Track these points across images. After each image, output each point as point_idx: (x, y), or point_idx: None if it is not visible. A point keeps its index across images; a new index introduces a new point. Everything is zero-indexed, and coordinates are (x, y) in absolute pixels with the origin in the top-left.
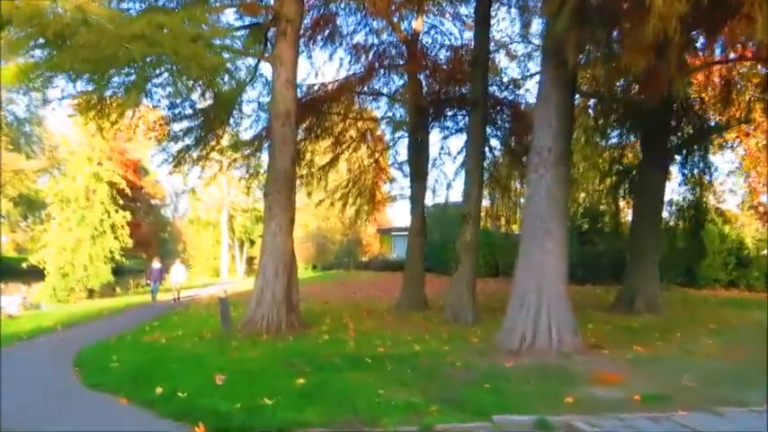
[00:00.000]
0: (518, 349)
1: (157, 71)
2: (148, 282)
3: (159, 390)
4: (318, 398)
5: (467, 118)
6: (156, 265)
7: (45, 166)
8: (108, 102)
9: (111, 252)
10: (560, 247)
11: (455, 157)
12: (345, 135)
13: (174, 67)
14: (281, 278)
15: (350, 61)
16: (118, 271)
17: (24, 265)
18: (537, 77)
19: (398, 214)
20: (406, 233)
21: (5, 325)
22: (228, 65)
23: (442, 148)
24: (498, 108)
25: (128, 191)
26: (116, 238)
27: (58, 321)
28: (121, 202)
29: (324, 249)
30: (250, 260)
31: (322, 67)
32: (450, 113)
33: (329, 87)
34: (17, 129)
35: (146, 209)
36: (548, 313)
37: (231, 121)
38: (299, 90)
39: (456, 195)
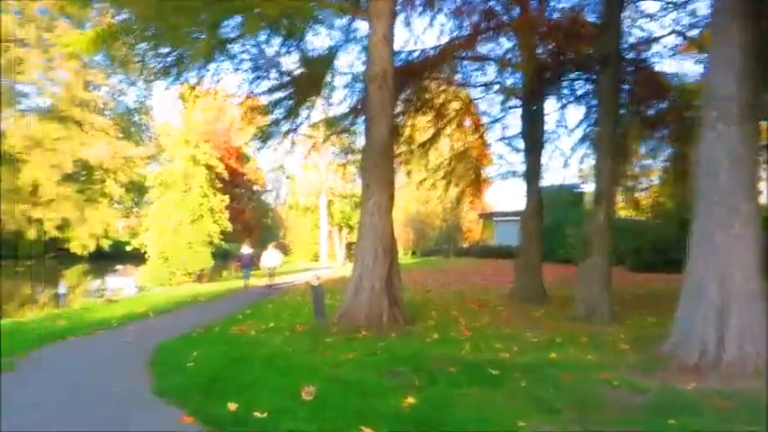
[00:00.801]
0: (697, 364)
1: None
2: (240, 267)
3: (233, 406)
4: (435, 430)
5: (586, 84)
6: (246, 249)
7: (152, 153)
8: (184, 63)
9: (209, 236)
10: (751, 228)
11: (572, 130)
12: (448, 107)
13: (250, 12)
14: (381, 264)
15: (452, 28)
16: (225, 255)
17: (129, 248)
18: (662, 41)
19: (500, 198)
20: (510, 218)
21: (102, 309)
22: (318, 15)
23: (558, 120)
24: (627, 69)
25: (225, 174)
26: (215, 221)
27: (152, 307)
28: (219, 185)
29: (423, 235)
30: (349, 245)
31: (421, 36)
32: (568, 79)
33: (429, 54)
34: (127, 118)
35: (248, 195)
36: (738, 316)
37: (324, 92)
38: (396, 58)
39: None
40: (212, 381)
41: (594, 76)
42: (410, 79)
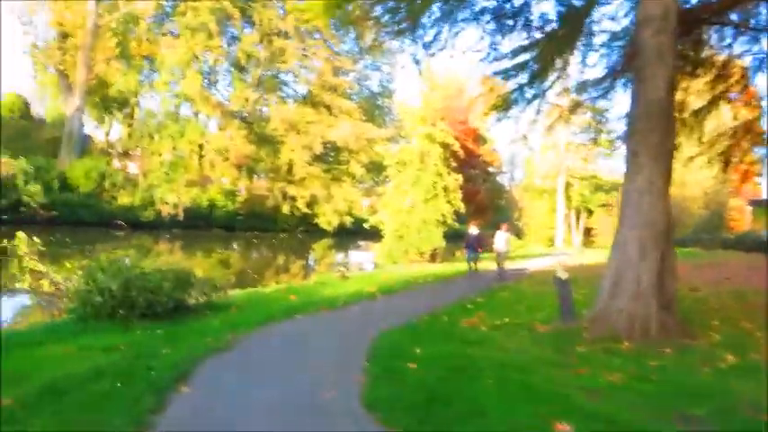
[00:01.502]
0: None
1: None
2: (465, 248)
3: None
4: None
5: None
6: (473, 230)
7: (392, 135)
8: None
9: (443, 216)
10: None
11: None
12: (733, 66)
13: None
14: (650, 258)
15: None
16: (457, 236)
17: (367, 226)
18: None
19: None
20: None
21: (334, 285)
22: None
23: None
24: None
25: (461, 153)
26: (448, 201)
27: (381, 286)
28: (454, 165)
29: (678, 222)
30: (587, 231)
31: None
32: None
33: None
34: (371, 102)
35: (483, 176)
36: None
37: (576, 50)
38: None
39: None
40: (433, 396)
41: None
42: (688, 29)
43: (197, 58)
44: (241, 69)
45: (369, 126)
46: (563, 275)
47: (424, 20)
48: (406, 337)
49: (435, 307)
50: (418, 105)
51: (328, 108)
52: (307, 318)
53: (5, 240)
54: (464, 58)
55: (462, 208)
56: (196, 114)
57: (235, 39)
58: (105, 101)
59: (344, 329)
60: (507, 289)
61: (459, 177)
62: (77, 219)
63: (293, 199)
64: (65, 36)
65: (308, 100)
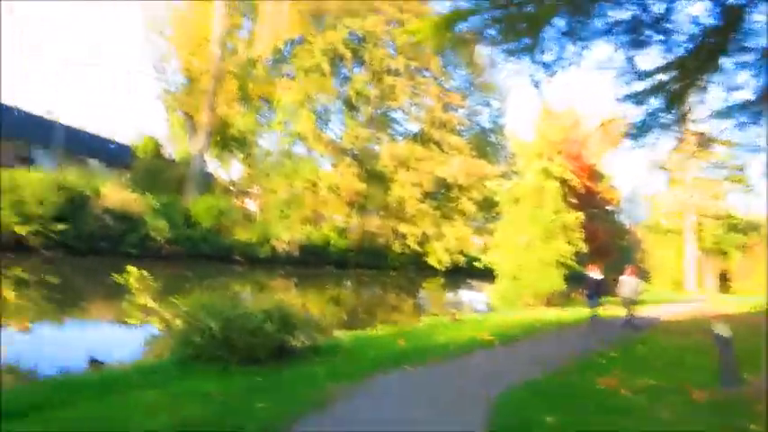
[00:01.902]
0: None
1: None
2: (586, 294)
3: None
4: None
5: None
6: (595, 274)
7: (504, 171)
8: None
9: (561, 256)
10: None
11: None
12: None
13: None
14: None
15: None
16: (578, 278)
17: (479, 265)
18: None
19: None
20: None
21: (446, 329)
22: None
23: None
24: None
25: (581, 188)
26: (568, 241)
27: (496, 332)
28: (574, 201)
29: None
30: (722, 275)
31: None
32: None
33: None
34: (482, 138)
35: (602, 215)
36: None
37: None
38: None
39: None
40: None
41: None
42: None
43: (310, 98)
44: (352, 108)
45: (480, 162)
46: (725, 332)
47: (546, 35)
48: (533, 401)
49: (561, 359)
50: (532, 139)
51: (438, 145)
52: (416, 369)
53: (113, 274)
54: (580, 86)
55: (584, 247)
56: (309, 152)
57: (347, 79)
58: (226, 141)
59: (458, 385)
60: (641, 341)
61: (581, 215)
62: (198, 252)
63: (404, 236)
64: (192, 81)
65: (419, 137)
